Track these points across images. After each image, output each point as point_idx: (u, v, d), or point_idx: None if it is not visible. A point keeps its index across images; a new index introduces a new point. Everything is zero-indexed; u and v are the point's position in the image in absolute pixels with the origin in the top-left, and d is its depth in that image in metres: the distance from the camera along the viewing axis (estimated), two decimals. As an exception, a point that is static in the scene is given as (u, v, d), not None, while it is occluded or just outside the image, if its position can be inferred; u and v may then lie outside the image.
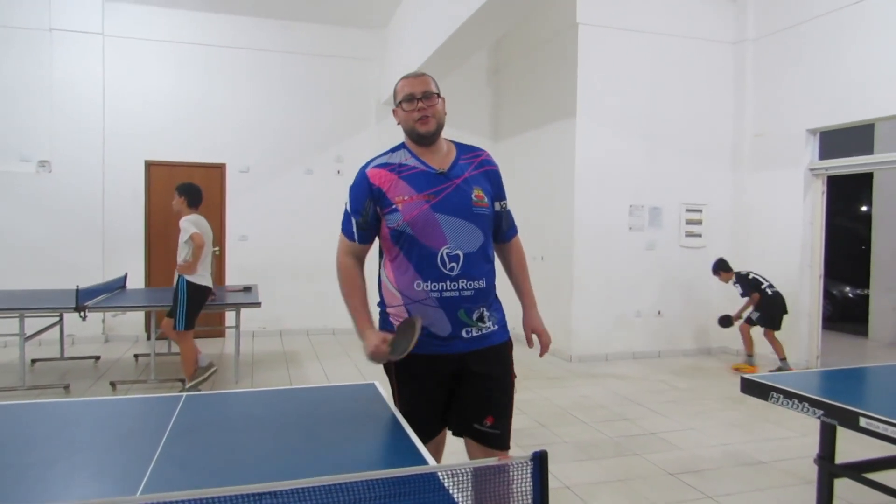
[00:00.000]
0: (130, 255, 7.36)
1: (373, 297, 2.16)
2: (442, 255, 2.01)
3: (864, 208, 9.74)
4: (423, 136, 2.07)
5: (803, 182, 6.40)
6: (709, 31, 7.07)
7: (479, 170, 2.14)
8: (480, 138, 8.27)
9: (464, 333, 2.06)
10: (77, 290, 5.00)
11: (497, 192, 2.19)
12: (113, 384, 5.36)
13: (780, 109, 6.67)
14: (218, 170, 7.75)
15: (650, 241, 6.92)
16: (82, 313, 5.03)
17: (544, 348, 2.29)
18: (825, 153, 6.43)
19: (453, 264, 2.02)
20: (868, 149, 6.14)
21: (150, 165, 7.48)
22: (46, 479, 1.54)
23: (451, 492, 1.30)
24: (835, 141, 6.54)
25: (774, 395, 2.49)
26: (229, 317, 7.08)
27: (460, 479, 1.28)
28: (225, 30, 7.67)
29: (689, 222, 7.04)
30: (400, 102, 2.10)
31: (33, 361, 6.06)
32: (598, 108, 6.65)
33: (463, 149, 2.18)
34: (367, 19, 7.82)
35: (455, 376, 2.11)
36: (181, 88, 7.56)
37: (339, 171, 8.04)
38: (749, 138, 7.03)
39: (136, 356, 6.42)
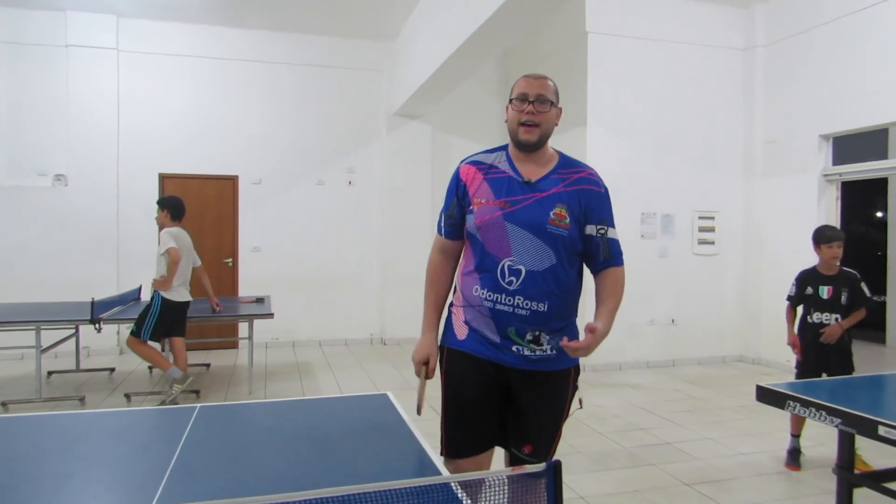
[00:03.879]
0: (144, 268, 7.40)
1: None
2: (503, 266, 1.93)
3: (878, 214, 9.62)
4: (522, 143, 1.98)
5: (817, 188, 6.35)
6: (719, 38, 7.05)
7: (572, 187, 1.98)
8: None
9: (513, 349, 1.95)
10: (92, 303, 5.04)
11: (590, 215, 2.00)
12: (128, 396, 5.39)
13: (793, 115, 6.62)
14: (230, 182, 7.82)
15: (662, 248, 6.88)
16: (97, 325, 5.08)
17: (576, 345, 1.80)
18: (839, 158, 6.37)
19: (512, 278, 1.92)
20: (882, 154, 6.08)
21: (163, 178, 7.56)
22: (62, 490, 1.55)
23: (464, 503, 1.30)
24: (848, 146, 6.48)
25: (791, 403, 2.46)
26: (242, 328, 7.11)
27: (473, 490, 1.28)
28: (237, 43, 7.75)
29: (701, 230, 6.99)
30: (512, 100, 2.01)
31: (49, 374, 6.11)
32: (608, 116, 6.64)
33: (565, 162, 2.05)
34: (377, 31, 7.87)
35: (504, 392, 2.01)
36: (194, 101, 7.65)
37: (350, 182, 8.09)
38: (761, 145, 6.99)
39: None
